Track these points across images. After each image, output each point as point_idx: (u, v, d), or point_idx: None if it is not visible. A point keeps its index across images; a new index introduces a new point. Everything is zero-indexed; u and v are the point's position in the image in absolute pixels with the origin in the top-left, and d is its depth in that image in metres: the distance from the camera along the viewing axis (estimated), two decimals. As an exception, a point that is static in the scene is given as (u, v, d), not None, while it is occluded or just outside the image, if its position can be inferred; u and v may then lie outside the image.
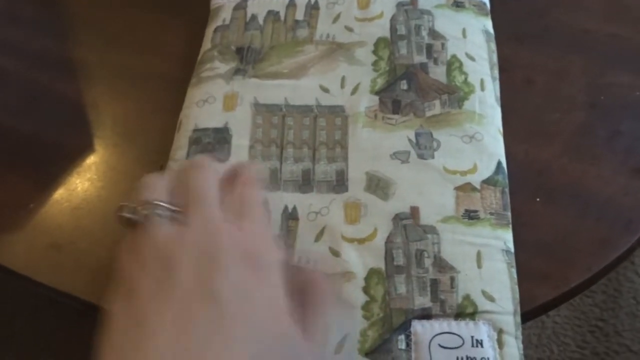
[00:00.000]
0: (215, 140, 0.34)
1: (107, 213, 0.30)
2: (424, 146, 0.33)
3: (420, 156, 0.33)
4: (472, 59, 0.36)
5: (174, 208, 0.24)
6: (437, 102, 0.34)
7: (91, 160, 0.38)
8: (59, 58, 0.42)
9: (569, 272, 0.31)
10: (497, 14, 0.39)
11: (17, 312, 0.85)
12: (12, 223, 0.35)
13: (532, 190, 0.33)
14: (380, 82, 0.35)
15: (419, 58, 0.36)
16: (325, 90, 0.35)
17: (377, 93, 0.35)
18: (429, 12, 0.38)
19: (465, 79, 0.35)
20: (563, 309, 0.85)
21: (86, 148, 0.38)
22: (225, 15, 0.39)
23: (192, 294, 0.21)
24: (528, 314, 0.30)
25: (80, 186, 0.37)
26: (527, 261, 0.31)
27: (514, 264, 0.30)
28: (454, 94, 0.34)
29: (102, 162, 0.38)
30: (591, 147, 0.35)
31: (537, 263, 0.31)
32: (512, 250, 0.30)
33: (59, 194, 0.36)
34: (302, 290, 0.25)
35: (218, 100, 0.35)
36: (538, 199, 0.33)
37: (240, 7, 0.39)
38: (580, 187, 0.33)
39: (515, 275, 0.29)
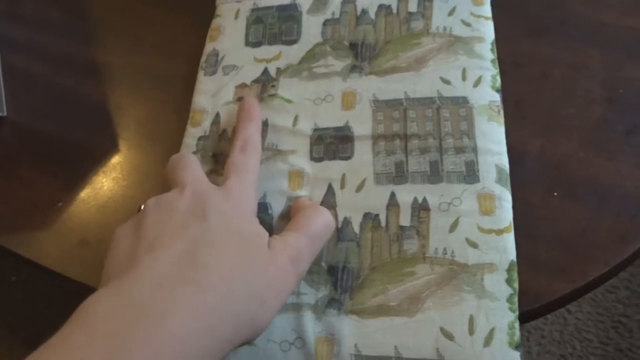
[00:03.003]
0: (338, 140, 0.35)
1: (132, 210, 0.31)
2: None
3: None
4: None
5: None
6: None
7: (116, 160, 0.39)
8: (84, 61, 0.43)
9: (587, 267, 0.31)
10: (513, 8, 0.39)
11: (49, 308, 0.88)
12: (42, 221, 0.37)
13: (549, 185, 0.33)
14: (500, 80, 0.35)
15: None
16: (446, 82, 0.35)
17: (497, 91, 0.35)
18: None
19: None
20: (585, 305, 0.84)
21: (111, 149, 0.39)
22: (333, 9, 0.39)
23: (188, 215, 0.28)
24: (545, 307, 0.30)
25: (106, 185, 0.38)
26: (544, 255, 0.31)
27: None
28: None
29: (127, 162, 0.39)
30: (609, 142, 0.34)
31: (554, 257, 0.31)
32: None
33: (86, 193, 0.38)
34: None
35: (336, 98, 0.36)
36: (555, 194, 0.33)
37: (350, 0, 0.39)
38: (598, 181, 0.33)
39: None
